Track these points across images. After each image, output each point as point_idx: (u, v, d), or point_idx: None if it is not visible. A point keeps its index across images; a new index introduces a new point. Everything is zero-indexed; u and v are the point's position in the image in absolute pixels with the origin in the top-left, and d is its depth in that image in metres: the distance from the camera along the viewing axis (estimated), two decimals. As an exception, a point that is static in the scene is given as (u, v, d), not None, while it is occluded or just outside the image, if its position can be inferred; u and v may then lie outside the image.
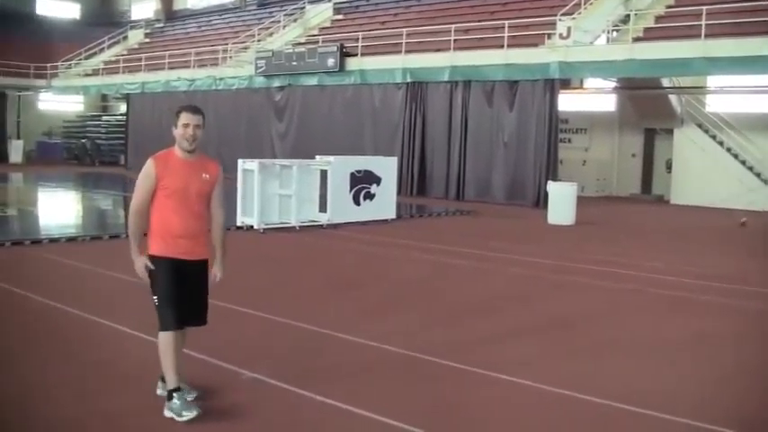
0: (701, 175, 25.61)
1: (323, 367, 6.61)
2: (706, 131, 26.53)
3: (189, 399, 5.35)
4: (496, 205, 22.92)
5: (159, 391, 5.57)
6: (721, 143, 26.15)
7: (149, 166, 5.28)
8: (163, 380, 5.48)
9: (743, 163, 25.50)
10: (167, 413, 5.23)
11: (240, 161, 16.27)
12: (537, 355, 7.25)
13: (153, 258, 5.31)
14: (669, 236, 17.82)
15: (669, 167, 27.49)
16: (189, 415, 5.16)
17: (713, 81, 26.45)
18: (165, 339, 5.29)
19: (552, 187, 19.32)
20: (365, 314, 8.78)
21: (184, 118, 5.34)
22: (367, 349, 7.23)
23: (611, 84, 27.52)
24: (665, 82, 26.12)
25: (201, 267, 5.51)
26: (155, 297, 5.31)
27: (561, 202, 18.82)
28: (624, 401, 5.86)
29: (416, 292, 10.34)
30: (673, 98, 26.80)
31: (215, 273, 5.59)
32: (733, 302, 10.00)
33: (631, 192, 29.02)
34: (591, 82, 28.39)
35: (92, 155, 41.89)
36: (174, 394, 5.24)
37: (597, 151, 30.12)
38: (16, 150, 41.97)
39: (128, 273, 6.17)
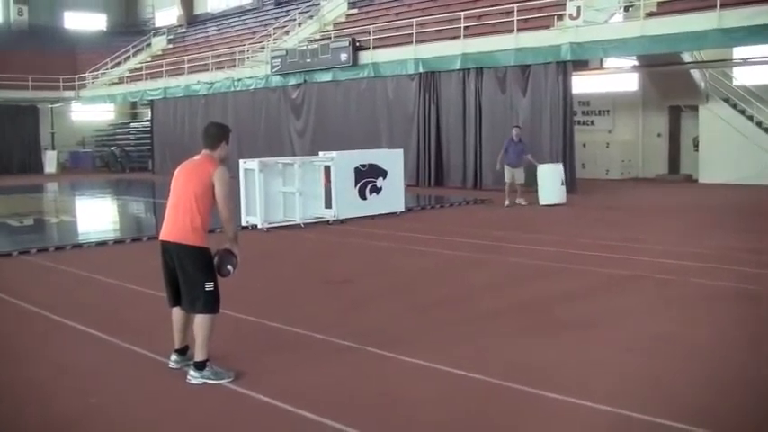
0: (729, 152, 24.89)
1: (278, 366, 6.56)
2: (733, 106, 25.86)
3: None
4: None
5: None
6: (751, 117, 25.43)
7: (228, 172, 6.34)
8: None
9: (773, 137, 24.76)
10: (197, 381, 6.09)
11: (241, 161, 16.20)
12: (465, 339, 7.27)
13: (207, 250, 6.22)
14: (673, 216, 17.43)
15: (696, 146, 26.80)
16: (229, 378, 6.12)
17: (739, 53, 25.65)
18: (213, 321, 6.21)
19: (541, 169, 19.69)
20: (343, 311, 8.66)
21: (230, 137, 6.57)
22: (325, 344, 7.14)
23: (631, 62, 26.90)
24: (687, 57, 25.42)
25: None
26: (211, 283, 6.16)
27: (550, 182, 19.47)
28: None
29: (405, 285, 10.16)
30: (696, 73, 26.11)
31: None
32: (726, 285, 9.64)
33: (658, 173, 28.33)
34: (611, 62, 27.76)
35: (121, 162, 42.12)
36: (208, 363, 6.14)
37: (621, 133, 29.51)
38: (50, 161, 42.55)
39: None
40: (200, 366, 6.13)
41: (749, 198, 20.42)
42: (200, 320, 6.17)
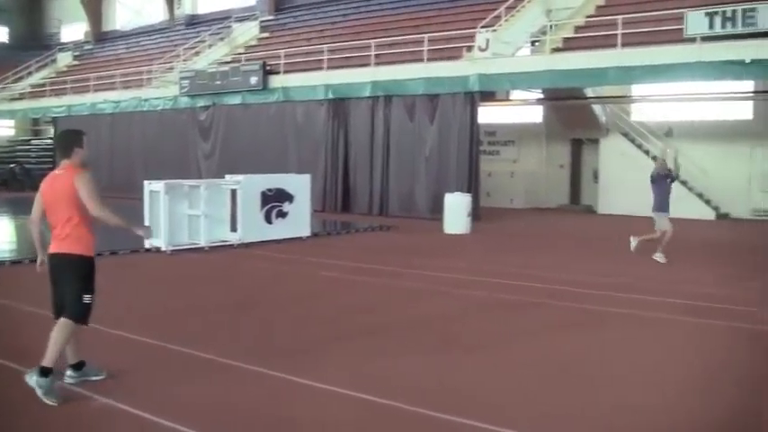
0: (627, 185, 25.58)
1: (180, 389, 6.49)
2: (632, 141, 26.69)
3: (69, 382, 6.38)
4: (420, 219, 22.79)
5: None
6: (647, 152, 26.28)
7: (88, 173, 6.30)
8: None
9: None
10: (31, 382, 5.97)
11: (146, 182, 15.96)
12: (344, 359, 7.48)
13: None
14: (570, 245, 18.10)
15: (596, 177, 27.57)
16: (51, 401, 5.90)
17: (637, 90, 26.61)
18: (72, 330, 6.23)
19: (448, 199, 20.08)
20: (245, 334, 8.68)
21: (86, 140, 6.46)
22: (226, 368, 7.09)
23: (536, 95, 27.57)
24: (589, 92, 26.24)
25: None
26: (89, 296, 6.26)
27: (456, 212, 19.79)
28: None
29: (306, 307, 10.25)
30: (597, 108, 26.99)
31: None
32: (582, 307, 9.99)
33: (560, 203, 29.07)
34: (517, 94, 28.39)
35: (21, 180, 40.98)
36: (50, 376, 5.98)
37: (525, 163, 30.15)
38: (-57, 177, 41.05)
39: None
40: (44, 372, 6.00)
41: (642, 229, 21.07)
42: (63, 325, 6.17)
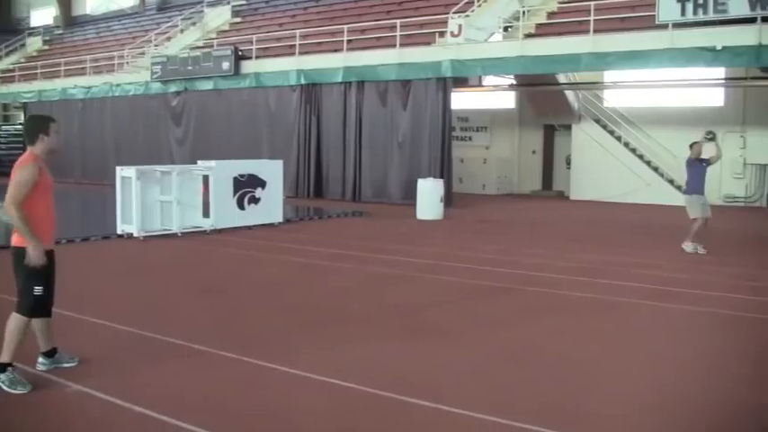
0: (599, 171, 25.89)
1: (154, 377, 6.45)
2: (604, 127, 26.84)
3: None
4: (393, 205, 22.84)
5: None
6: (619, 138, 26.45)
7: (34, 168, 5.99)
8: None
9: (640, 157, 25.80)
10: None
11: (118, 168, 15.84)
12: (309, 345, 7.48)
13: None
14: (542, 231, 18.12)
15: (569, 163, 27.70)
16: (20, 390, 5.89)
17: (609, 76, 26.70)
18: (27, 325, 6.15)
19: (421, 184, 20.11)
20: (220, 320, 8.64)
21: (55, 127, 6.25)
22: (202, 354, 7.04)
23: (509, 81, 27.61)
24: (562, 78, 26.31)
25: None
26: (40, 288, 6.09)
27: (429, 198, 19.83)
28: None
29: (279, 294, 10.21)
30: (570, 94, 27.06)
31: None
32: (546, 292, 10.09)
33: (532, 189, 29.19)
34: (489, 79, 28.41)
35: (-10, 166, 40.57)
36: (9, 368, 5.99)
37: (498, 149, 30.24)
38: None
39: None
40: (2, 368, 6.00)
41: (614, 215, 21.31)
42: (14, 319, 6.09)
